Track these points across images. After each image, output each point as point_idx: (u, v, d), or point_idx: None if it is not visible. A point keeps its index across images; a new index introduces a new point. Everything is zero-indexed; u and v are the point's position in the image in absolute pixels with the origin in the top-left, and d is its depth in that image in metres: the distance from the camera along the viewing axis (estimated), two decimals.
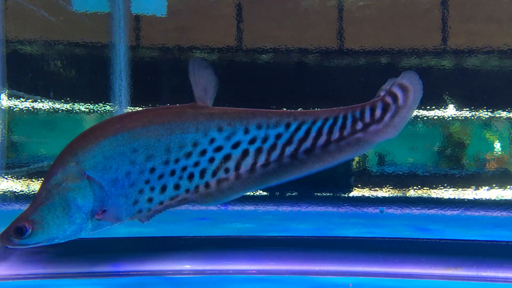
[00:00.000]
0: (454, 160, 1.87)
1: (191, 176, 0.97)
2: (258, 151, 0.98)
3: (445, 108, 1.83)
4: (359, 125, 1.00)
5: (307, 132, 0.99)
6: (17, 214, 1.88)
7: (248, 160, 0.98)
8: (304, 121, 0.99)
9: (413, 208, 1.85)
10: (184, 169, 0.96)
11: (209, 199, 0.98)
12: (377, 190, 1.87)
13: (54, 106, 1.86)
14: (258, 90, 1.88)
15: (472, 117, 1.84)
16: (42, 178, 1.84)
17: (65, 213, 0.92)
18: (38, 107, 1.84)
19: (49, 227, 0.92)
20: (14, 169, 1.80)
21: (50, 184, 0.93)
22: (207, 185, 0.98)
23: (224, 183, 0.98)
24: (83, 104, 1.87)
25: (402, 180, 1.85)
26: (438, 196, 1.85)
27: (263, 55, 1.85)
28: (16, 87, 1.80)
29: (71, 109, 1.86)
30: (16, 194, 1.79)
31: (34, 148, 1.86)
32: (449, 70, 1.83)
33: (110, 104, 1.86)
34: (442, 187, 1.85)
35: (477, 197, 1.83)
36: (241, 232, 1.79)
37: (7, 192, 1.78)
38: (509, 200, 1.82)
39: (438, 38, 1.82)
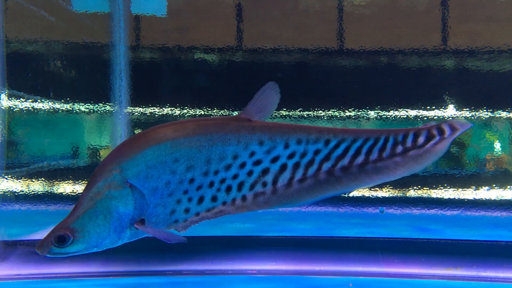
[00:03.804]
0: (454, 160, 1.87)
1: (229, 189, 0.97)
2: (296, 166, 0.98)
3: (445, 108, 1.83)
4: (399, 149, 0.99)
5: (346, 150, 0.99)
6: (17, 214, 1.89)
7: (286, 175, 0.98)
8: (344, 139, 0.99)
9: (413, 208, 1.85)
10: (222, 181, 0.97)
11: (244, 211, 0.99)
12: (377, 190, 1.87)
13: (54, 106, 1.86)
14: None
15: (472, 117, 1.84)
16: (42, 178, 1.84)
17: (106, 221, 0.92)
18: (38, 107, 1.84)
19: (89, 236, 0.92)
20: (14, 169, 1.80)
21: (92, 192, 0.93)
22: (244, 198, 0.98)
23: (261, 197, 0.98)
24: (83, 104, 1.87)
25: (402, 180, 1.85)
26: (438, 196, 1.85)
27: (263, 55, 1.85)
28: (16, 87, 1.80)
29: (71, 109, 1.86)
30: (16, 194, 1.79)
31: (34, 148, 1.86)
32: (449, 70, 1.83)
33: (110, 104, 1.86)
34: (442, 187, 1.85)
35: (477, 197, 1.83)
36: (241, 232, 1.79)
37: (7, 192, 1.78)
38: (509, 200, 1.82)
39: (438, 38, 1.82)
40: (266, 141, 0.97)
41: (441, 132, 1.00)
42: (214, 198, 0.97)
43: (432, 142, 0.99)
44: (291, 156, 0.98)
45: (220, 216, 0.99)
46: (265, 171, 0.98)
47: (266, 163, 0.98)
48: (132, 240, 0.96)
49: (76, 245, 0.92)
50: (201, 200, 0.97)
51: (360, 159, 0.99)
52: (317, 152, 0.98)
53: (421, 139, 0.99)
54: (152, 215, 0.95)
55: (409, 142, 0.99)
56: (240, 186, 0.97)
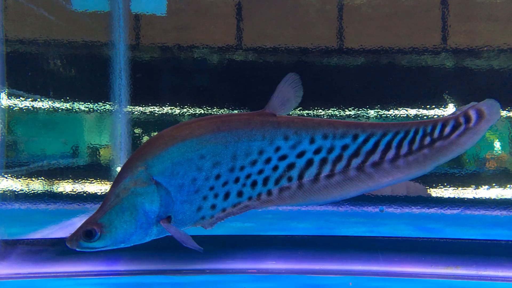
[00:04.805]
0: (454, 159, 1.87)
1: (254, 184, 0.97)
2: (323, 161, 0.98)
3: (445, 108, 1.83)
4: (427, 140, 0.98)
5: (376, 145, 0.98)
6: (16, 213, 1.88)
7: (312, 170, 0.98)
8: (373, 133, 0.98)
9: (413, 207, 1.85)
10: (248, 176, 0.97)
11: (270, 206, 0.98)
12: None
13: (53, 105, 1.85)
14: (257, 89, 1.88)
15: None
16: (42, 177, 1.84)
17: (133, 218, 0.93)
18: (38, 106, 1.84)
19: (116, 231, 0.93)
20: (14, 168, 1.80)
21: (119, 189, 0.94)
22: (269, 192, 0.98)
23: (286, 191, 0.98)
24: (82, 103, 1.87)
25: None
26: (438, 195, 1.85)
27: (263, 54, 1.85)
28: (16, 86, 1.79)
29: (70, 108, 1.86)
30: (16, 193, 1.79)
31: (34, 148, 1.86)
32: (449, 69, 1.83)
33: (109, 103, 1.86)
34: (442, 186, 1.85)
35: (477, 196, 1.83)
36: (241, 231, 1.79)
37: (7, 191, 1.78)
38: (509, 199, 1.82)
39: (438, 37, 1.82)
40: (291, 136, 0.97)
41: (468, 119, 0.98)
42: (240, 194, 0.97)
43: (457, 132, 0.98)
44: (317, 151, 0.97)
45: (245, 211, 0.99)
46: (291, 166, 0.98)
47: (292, 158, 0.97)
48: (160, 236, 0.97)
49: (104, 240, 0.93)
50: (227, 196, 0.97)
51: (391, 153, 0.98)
52: (345, 147, 0.98)
53: (447, 129, 0.98)
54: (179, 212, 0.95)
55: (436, 133, 0.98)
56: (266, 180, 0.97)
